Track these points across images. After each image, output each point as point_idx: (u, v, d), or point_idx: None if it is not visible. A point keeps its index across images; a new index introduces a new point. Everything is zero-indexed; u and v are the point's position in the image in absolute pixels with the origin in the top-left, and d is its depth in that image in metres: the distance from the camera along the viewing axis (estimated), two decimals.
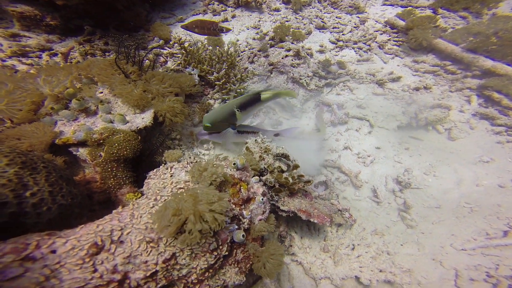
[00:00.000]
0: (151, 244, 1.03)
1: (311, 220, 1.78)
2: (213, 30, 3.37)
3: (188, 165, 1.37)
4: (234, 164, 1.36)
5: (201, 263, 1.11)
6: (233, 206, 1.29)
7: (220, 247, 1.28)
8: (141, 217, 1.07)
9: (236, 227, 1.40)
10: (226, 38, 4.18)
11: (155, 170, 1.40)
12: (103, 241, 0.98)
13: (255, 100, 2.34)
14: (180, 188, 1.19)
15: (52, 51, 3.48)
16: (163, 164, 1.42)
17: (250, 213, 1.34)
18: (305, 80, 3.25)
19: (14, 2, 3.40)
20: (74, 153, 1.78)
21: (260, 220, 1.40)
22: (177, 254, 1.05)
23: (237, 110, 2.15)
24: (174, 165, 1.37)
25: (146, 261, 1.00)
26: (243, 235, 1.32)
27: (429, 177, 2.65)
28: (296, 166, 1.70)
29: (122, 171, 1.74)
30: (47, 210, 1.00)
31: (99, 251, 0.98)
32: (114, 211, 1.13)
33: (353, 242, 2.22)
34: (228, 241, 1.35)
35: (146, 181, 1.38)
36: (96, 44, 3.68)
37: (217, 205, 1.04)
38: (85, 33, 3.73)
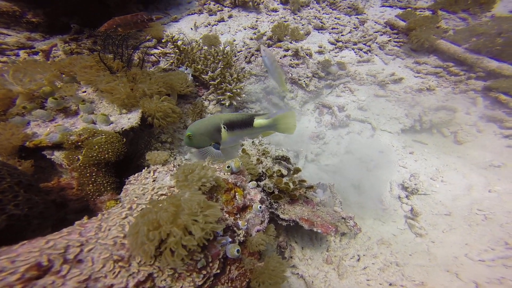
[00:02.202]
0: (119, 264, 0.86)
1: (314, 229, 1.65)
2: (141, 22, 3.26)
3: (175, 168, 1.23)
4: (229, 167, 1.24)
5: (186, 284, 0.96)
6: (226, 215, 1.16)
7: (210, 264, 1.13)
8: (109, 229, 0.90)
9: (230, 240, 1.26)
10: (222, 38, 4.12)
11: (136, 174, 1.26)
12: (51, 261, 0.81)
13: (246, 123, 1.97)
14: (162, 194, 1.05)
15: (33, 49, 3.34)
16: (146, 169, 1.28)
17: (246, 223, 1.20)
18: (304, 81, 3.18)
19: None
20: (49, 157, 1.63)
21: (258, 231, 1.27)
22: (155, 275, 0.90)
23: (223, 127, 1.87)
24: (158, 168, 1.23)
25: (112, 285, 0.83)
26: (237, 250, 1.18)
27: (436, 183, 2.56)
28: (297, 170, 1.58)
29: (102, 177, 1.59)
30: None
31: (42, 274, 0.80)
32: (76, 222, 0.98)
33: (358, 252, 2.10)
34: (220, 256, 1.21)
35: (125, 186, 1.23)
36: (84, 43, 3.56)
37: (204, 216, 0.90)
38: (72, 31, 3.61)
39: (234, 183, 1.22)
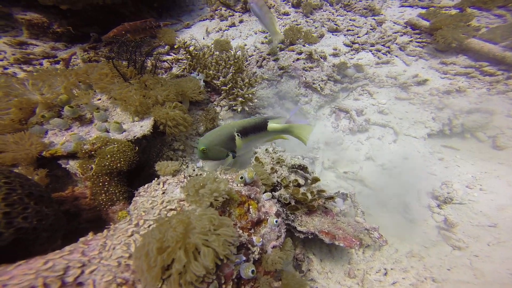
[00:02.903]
0: None
1: (336, 243, 1.53)
2: (150, 29, 3.30)
3: (185, 180, 1.17)
4: (242, 178, 1.16)
5: None
6: (240, 231, 1.07)
7: (223, 286, 1.05)
8: (114, 248, 0.85)
9: (244, 258, 1.17)
10: (233, 42, 4.13)
11: (146, 185, 1.22)
12: (46, 286, 0.75)
13: (260, 127, 1.88)
14: (171, 209, 0.98)
15: (56, 59, 3.52)
16: (156, 180, 1.24)
17: (261, 239, 1.11)
18: (318, 85, 3.07)
19: (25, 10, 3.49)
20: (64, 166, 1.65)
21: (274, 247, 1.17)
22: None
23: (237, 135, 1.77)
24: (168, 179, 1.18)
25: None
26: (252, 271, 1.08)
27: (474, 191, 2.33)
28: (315, 180, 1.47)
29: (115, 186, 1.57)
30: None
31: None
32: (81, 239, 0.93)
33: (384, 265, 1.93)
34: (234, 277, 1.12)
35: (134, 198, 1.19)
36: (101, 51, 3.70)
37: (217, 236, 0.82)
38: (91, 40, 3.78)
39: (248, 195, 1.14)
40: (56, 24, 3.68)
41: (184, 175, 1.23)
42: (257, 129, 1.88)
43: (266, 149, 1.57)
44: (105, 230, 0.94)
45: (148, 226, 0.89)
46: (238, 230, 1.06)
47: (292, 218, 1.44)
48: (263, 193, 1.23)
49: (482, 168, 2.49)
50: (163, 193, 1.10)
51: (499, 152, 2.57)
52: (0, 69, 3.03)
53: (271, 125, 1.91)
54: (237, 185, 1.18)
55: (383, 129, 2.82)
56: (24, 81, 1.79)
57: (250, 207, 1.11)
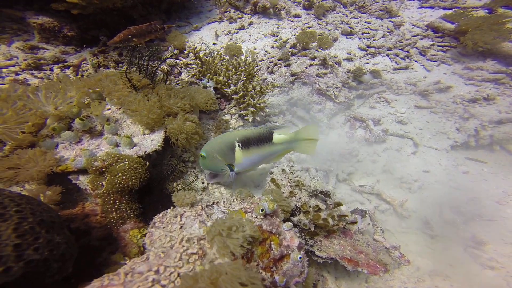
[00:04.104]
0: None
1: (359, 269, 1.46)
2: (155, 32, 3.26)
3: (203, 212, 1.13)
4: (262, 210, 1.10)
5: None
6: (263, 272, 1.01)
7: None
8: None
9: None
10: (243, 46, 4.08)
11: (161, 214, 1.18)
12: None
13: (264, 138, 1.68)
14: (193, 253, 0.94)
15: (66, 63, 3.56)
16: (171, 208, 1.20)
17: (284, 278, 1.04)
18: (333, 92, 2.98)
19: (37, 14, 3.55)
20: (74, 181, 1.64)
21: (296, 283, 1.10)
22: None
23: (238, 145, 1.62)
24: (185, 212, 1.14)
25: None
26: None
27: (506, 207, 2.20)
28: (338, 204, 1.41)
29: (126, 203, 1.55)
30: (4, 272, 0.80)
31: None
32: (95, 284, 0.88)
33: (405, 285, 1.85)
34: None
35: (149, 229, 1.16)
36: (110, 55, 3.73)
37: None
38: (100, 43, 3.81)
39: (269, 230, 1.08)
40: (67, 27, 3.72)
41: (201, 206, 1.19)
42: (261, 141, 1.72)
43: (283, 170, 1.51)
44: (122, 273, 0.90)
45: (170, 274, 0.85)
46: (260, 271, 0.99)
47: (311, 243, 1.38)
48: (283, 222, 1.17)
49: None
50: (181, 227, 1.07)
51: None
52: (12, 75, 3.09)
53: (277, 136, 1.71)
54: (256, 217, 1.13)
55: (401, 140, 2.71)
56: (37, 91, 1.79)
57: (272, 243, 1.06)
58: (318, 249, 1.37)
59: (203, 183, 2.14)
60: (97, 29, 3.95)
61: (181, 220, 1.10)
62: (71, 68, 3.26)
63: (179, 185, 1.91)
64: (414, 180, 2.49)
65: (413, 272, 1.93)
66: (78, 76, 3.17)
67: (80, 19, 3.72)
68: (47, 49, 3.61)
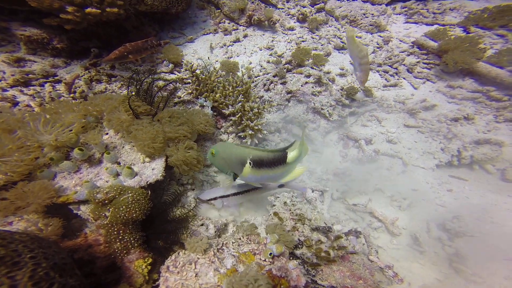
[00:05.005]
0: None
1: None
2: (151, 48, 3.37)
3: (216, 259, 1.20)
4: (271, 254, 1.20)
5: None
6: None
7: None
8: None
9: None
10: (238, 59, 4.17)
11: (173, 257, 1.25)
12: None
13: (278, 160, 1.65)
14: None
15: (56, 78, 3.50)
16: (183, 251, 1.26)
17: None
18: (327, 111, 3.13)
19: (24, 26, 3.47)
20: (75, 211, 1.67)
21: None
22: None
23: (249, 163, 1.63)
24: (198, 259, 1.21)
25: None
26: None
27: (485, 224, 2.41)
28: (338, 237, 1.52)
29: (130, 233, 1.60)
30: None
31: None
32: None
33: None
34: None
35: (163, 274, 1.22)
36: (102, 68, 3.70)
37: None
38: (92, 56, 3.77)
39: (279, 276, 1.18)
40: (56, 39, 3.66)
41: (213, 252, 1.26)
42: (275, 163, 1.68)
43: (285, 202, 1.61)
44: None
45: None
46: None
47: (313, 273, 1.48)
48: (289, 261, 1.26)
49: (492, 200, 2.59)
50: (196, 275, 1.14)
51: (508, 185, 2.67)
52: None
53: (291, 154, 1.65)
54: (265, 260, 1.22)
55: (391, 159, 2.90)
56: (37, 118, 1.79)
57: (282, 286, 1.16)
58: (320, 278, 1.48)
59: (195, 199, 2.18)
60: (88, 40, 3.91)
61: (195, 268, 1.17)
62: (63, 84, 3.21)
63: (178, 210, 1.96)
64: (404, 198, 2.67)
65: (405, 287, 2.08)
66: (71, 96, 3.13)
67: (71, 31, 3.67)
68: (35, 61, 3.53)
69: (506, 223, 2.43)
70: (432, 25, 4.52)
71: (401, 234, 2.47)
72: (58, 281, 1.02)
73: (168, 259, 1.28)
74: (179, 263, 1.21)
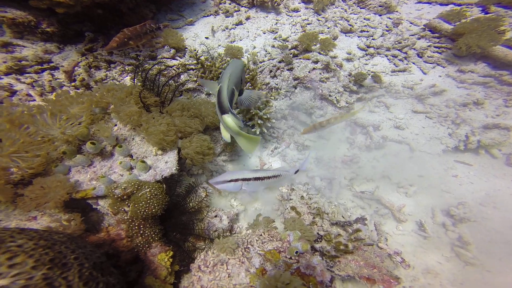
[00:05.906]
0: None
1: (376, 286, 1.68)
2: (150, 33, 3.26)
3: (245, 259, 1.24)
4: (297, 252, 1.25)
5: None
6: None
7: None
8: None
9: None
10: (242, 43, 4.01)
11: (202, 256, 1.29)
12: None
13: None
14: None
15: (51, 64, 3.35)
16: (211, 251, 1.30)
17: None
18: (335, 97, 3.09)
19: (3, 6, 3.20)
20: (94, 206, 1.69)
21: None
22: None
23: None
24: (229, 259, 1.25)
25: None
26: None
27: (487, 209, 2.51)
28: (357, 231, 1.59)
29: (150, 228, 1.64)
30: None
31: None
32: None
33: (403, 284, 2.13)
34: None
35: (195, 273, 1.26)
36: (100, 54, 3.54)
37: None
38: (86, 40, 3.59)
39: (308, 274, 1.24)
40: (45, 22, 3.43)
41: (241, 252, 1.30)
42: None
43: (302, 196, 1.64)
44: None
45: None
46: None
47: (331, 265, 1.56)
48: (313, 256, 1.32)
49: (496, 185, 2.66)
50: (229, 276, 1.18)
51: None
52: None
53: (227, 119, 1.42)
54: (291, 258, 1.27)
55: (399, 145, 2.92)
56: (43, 112, 1.75)
57: (310, 284, 1.22)
58: (338, 269, 1.56)
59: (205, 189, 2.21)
60: (79, 22, 3.69)
61: (227, 268, 1.22)
62: (62, 72, 3.09)
63: (192, 202, 2.00)
64: (410, 185, 2.73)
65: (409, 271, 2.20)
66: (72, 85, 3.03)
67: (61, 13, 3.44)
68: (25, 46, 3.35)
69: (509, 208, 2.52)
70: (447, 4, 4.31)
71: (407, 220, 2.55)
72: (102, 280, 1.06)
73: (198, 258, 1.33)
74: (210, 263, 1.26)
